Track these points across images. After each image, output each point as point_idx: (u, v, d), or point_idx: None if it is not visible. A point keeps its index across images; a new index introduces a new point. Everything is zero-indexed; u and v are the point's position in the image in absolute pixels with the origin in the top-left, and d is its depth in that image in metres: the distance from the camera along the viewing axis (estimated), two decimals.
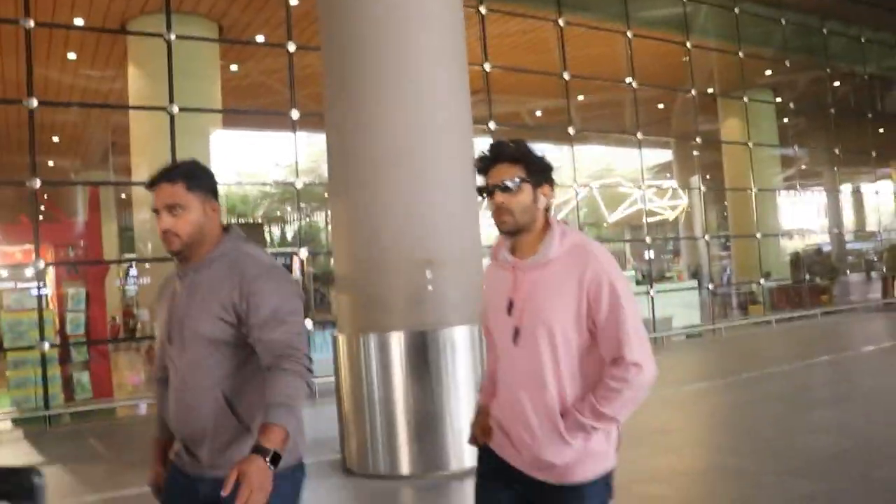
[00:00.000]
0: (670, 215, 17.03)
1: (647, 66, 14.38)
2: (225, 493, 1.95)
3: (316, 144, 12.80)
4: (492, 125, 12.03)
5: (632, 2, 13.96)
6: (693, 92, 14.85)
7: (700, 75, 15.31)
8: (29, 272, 12.15)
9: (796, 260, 18.14)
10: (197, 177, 2.40)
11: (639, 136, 14.05)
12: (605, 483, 2.26)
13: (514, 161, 2.26)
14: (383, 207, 5.75)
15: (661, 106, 17.39)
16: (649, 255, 15.05)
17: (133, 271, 20.68)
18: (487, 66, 11.93)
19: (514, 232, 2.29)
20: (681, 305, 14.77)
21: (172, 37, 9.92)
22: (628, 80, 13.87)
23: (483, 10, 11.98)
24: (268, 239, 24.84)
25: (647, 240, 14.62)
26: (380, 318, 5.72)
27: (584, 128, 16.07)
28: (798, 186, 18.20)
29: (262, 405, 2.19)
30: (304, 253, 11.43)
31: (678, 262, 21.61)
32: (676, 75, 15.21)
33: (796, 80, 17.91)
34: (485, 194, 2.30)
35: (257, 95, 14.65)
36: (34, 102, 9.19)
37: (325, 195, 12.25)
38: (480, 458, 2.43)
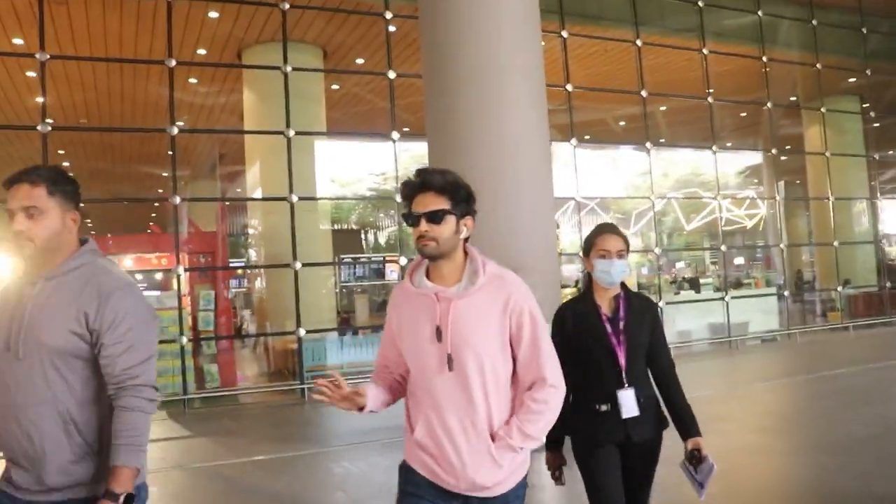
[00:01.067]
0: (748, 224, 17.50)
1: (726, 76, 15.02)
2: None
3: (409, 150, 13.90)
4: (574, 141, 13.02)
5: (708, 18, 14.60)
6: (769, 105, 15.37)
7: (780, 85, 15.80)
8: (159, 276, 13.86)
9: (880, 267, 18.23)
10: (60, 182, 2.32)
11: (714, 149, 14.70)
12: (524, 484, 2.46)
13: (440, 191, 2.34)
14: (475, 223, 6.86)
15: (743, 114, 17.77)
16: (724, 262, 15.66)
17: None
18: (570, 87, 12.90)
19: (434, 258, 2.37)
20: (758, 311, 15.32)
21: (288, 69, 11.30)
22: (707, 96, 14.51)
23: (565, 34, 12.95)
24: (363, 245, 26.11)
25: (723, 248, 15.24)
26: None
27: (667, 135, 16.75)
28: (879, 193, 18.29)
29: (102, 425, 2.25)
30: (403, 260, 12.57)
31: (759, 268, 21.88)
32: (757, 85, 15.67)
33: (883, 84, 17.91)
34: (409, 221, 2.37)
35: (357, 104, 15.80)
36: (175, 130, 10.72)
37: None
38: (404, 479, 2.46)
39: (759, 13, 15.20)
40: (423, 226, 2.32)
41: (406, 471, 2.45)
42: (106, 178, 19.67)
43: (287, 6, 11.24)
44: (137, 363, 2.25)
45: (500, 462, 2.31)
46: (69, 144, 17.77)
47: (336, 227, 23.94)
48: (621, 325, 3.11)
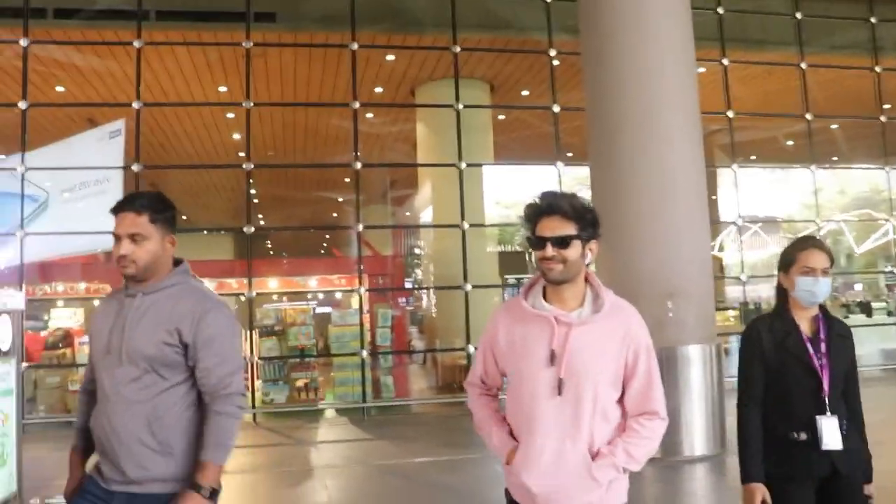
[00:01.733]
0: None
1: None
2: None
3: (570, 174, 14.46)
4: (735, 166, 13.17)
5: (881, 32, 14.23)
6: None
7: None
8: (339, 295, 15.21)
9: None
10: (161, 210, 2.57)
11: (887, 169, 14.29)
12: None
13: (565, 215, 2.31)
14: (638, 253, 7.45)
15: None
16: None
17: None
18: (730, 114, 13.07)
19: (559, 282, 2.35)
20: None
21: (460, 107, 12.25)
22: (881, 114, 14.13)
23: (725, 61, 13.13)
24: (527, 265, 26.75)
25: (893, 269, 14.72)
26: None
27: (843, 151, 16.33)
28: None
29: (180, 429, 2.47)
30: None
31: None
32: None
33: None
34: (533, 245, 2.36)
35: (522, 130, 16.40)
36: (358, 165, 11.95)
37: None
38: None
39: None
40: (550, 250, 2.30)
41: (509, 501, 2.47)
42: (285, 203, 21.51)
43: (458, 49, 12.19)
44: (229, 374, 2.52)
45: (600, 480, 2.29)
46: (256, 174, 19.68)
47: (501, 248, 24.84)
48: (823, 347, 2.85)
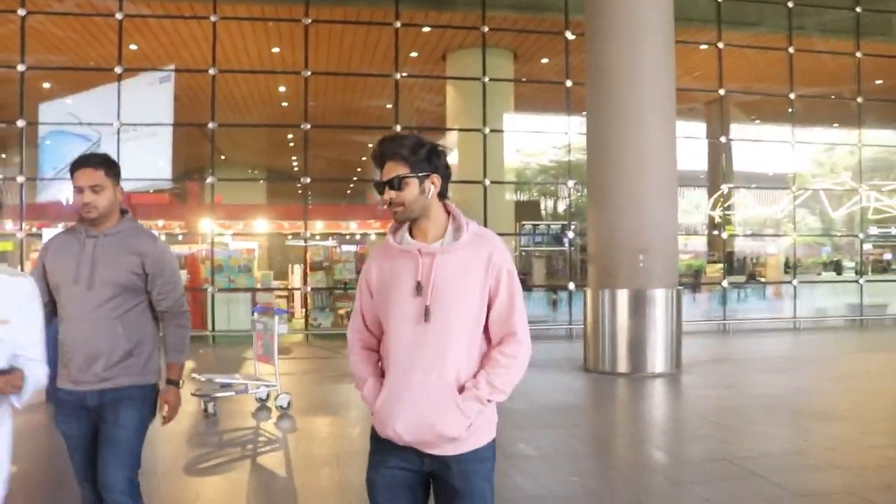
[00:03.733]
0: None
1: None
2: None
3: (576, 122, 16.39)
4: (723, 139, 15.13)
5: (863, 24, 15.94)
6: None
7: None
8: (373, 237, 17.31)
9: None
10: (112, 166, 3.08)
11: (860, 140, 16.19)
12: (494, 447, 2.43)
13: (399, 159, 2.34)
14: (616, 214, 9.56)
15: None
16: (860, 248, 17.10)
17: None
18: (722, 91, 14.98)
19: (405, 221, 2.40)
20: None
21: (486, 79, 14.24)
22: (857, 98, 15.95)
23: (721, 45, 14.96)
24: (542, 213, 28.75)
25: (860, 235, 16.73)
26: (612, 281, 9.55)
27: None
28: None
29: (145, 335, 3.13)
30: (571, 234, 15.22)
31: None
32: None
33: None
34: (378, 190, 2.41)
35: (542, 87, 18.15)
36: (398, 127, 14.01)
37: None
38: (373, 448, 2.45)
39: None
40: (388, 194, 2.36)
41: (374, 440, 2.46)
42: (316, 144, 23.46)
43: (486, 29, 14.13)
44: (181, 296, 3.24)
45: (467, 413, 2.30)
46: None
47: (518, 196, 26.75)
48: None
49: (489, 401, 2.33)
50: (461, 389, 2.32)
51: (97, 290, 2.98)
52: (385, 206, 2.40)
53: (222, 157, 22.74)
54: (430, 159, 2.38)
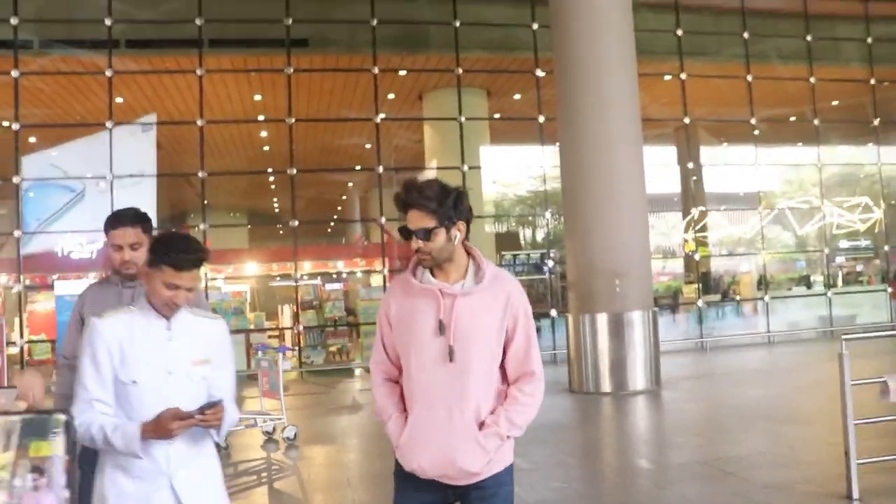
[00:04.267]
0: (861, 227, 19.33)
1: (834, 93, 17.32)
2: None
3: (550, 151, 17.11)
4: (690, 165, 15.90)
5: (816, 50, 16.87)
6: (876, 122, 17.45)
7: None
8: (359, 274, 17.85)
9: None
10: (146, 221, 3.18)
11: (819, 159, 17.05)
12: (511, 471, 2.56)
13: (425, 210, 2.40)
14: (592, 242, 10.18)
15: None
16: (826, 263, 17.89)
17: None
18: (686, 120, 15.80)
19: (433, 266, 2.49)
20: (868, 306, 17.51)
21: (462, 119, 14.93)
22: (814, 119, 16.84)
23: (683, 76, 15.78)
24: (521, 242, 29.39)
25: (826, 251, 17.53)
26: (591, 306, 10.15)
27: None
28: None
29: None
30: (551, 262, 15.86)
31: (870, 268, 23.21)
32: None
33: None
34: (402, 235, 2.48)
35: (515, 122, 19.04)
36: (381, 169, 14.61)
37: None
38: (399, 481, 2.57)
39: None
40: (416, 242, 2.43)
41: (399, 471, 2.56)
42: (297, 184, 24.22)
43: (460, 71, 14.86)
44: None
45: (487, 449, 2.40)
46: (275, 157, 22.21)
47: (497, 228, 27.43)
48: None
49: (508, 437, 2.47)
50: (481, 425, 2.44)
51: None
52: (413, 251, 2.48)
53: (205, 202, 23.31)
54: (456, 206, 2.45)
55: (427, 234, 2.41)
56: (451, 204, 2.43)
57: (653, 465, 6.35)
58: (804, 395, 9.18)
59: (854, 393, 4.89)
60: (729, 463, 5.84)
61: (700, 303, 15.88)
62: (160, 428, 2.34)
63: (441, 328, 2.41)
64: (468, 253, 2.54)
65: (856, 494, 4.71)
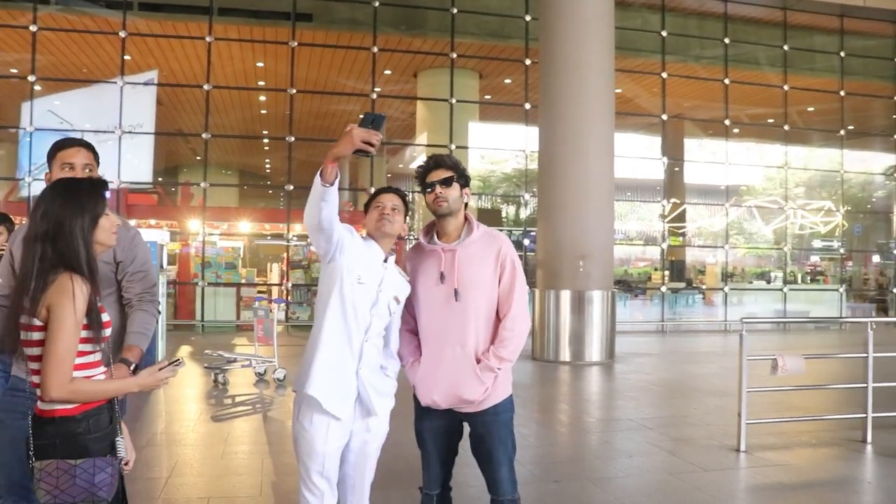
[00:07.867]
0: (823, 229, 20.50)
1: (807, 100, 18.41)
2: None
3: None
4: (665, 160, 16.93)
5: (792, 58, 17.87)
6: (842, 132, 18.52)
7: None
8: None
9: None
10: (96, 152, 3.09)
11: (786, 164, 18.10)
12: (510, 401, 3.11)
13: (447, 167, 3.01)
14: (561, 225, 11.22)
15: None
16: (786, 261, 19.07)
17: None
18: (665, 117, 16.77)
19: (446, 214, 3.03)
20: (820, 303, 18.75)
21: (454, 100, 15.84)
22: (785, 125, 17.88)
23: (664, 75, 16.74)
24: (503, 220, 30.36)
25: (785, 249, 18.68)
26: (557, 283, 11.20)
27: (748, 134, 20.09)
28: None
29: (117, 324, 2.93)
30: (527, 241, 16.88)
31: (829, 268, 24.43)
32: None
33: None
34: (428, 189, 3.01)
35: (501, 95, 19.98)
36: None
37: None
38: (417, 407, 3.14)
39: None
40: (438, 189, 2.97)
41: (417, 403, 3.12)
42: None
43: (454, 55, 15.74)
44: (153, 284, 3.11)
45: (484, 381, 2.94)
46: (270, 118, 23.01)
47: (481, 203, 28.37)
48: None
49: (499, 368, 2.96)
50: (479, 360, 2.95)
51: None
52: (432, 203, 3.01)
53: (197, 158, 24.11)
54: (466, 176, 3.09)
55: (449, 181, 3.00)
56: (462, 172, 3.10)
57: (592, 420, 7.42)
58: (734, 374, 10.24)
59: (754, 368, 5.96)
60: (653, 421, 6.93)
61: (663, 288, 16.99)
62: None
63: (442, 278, 2.97)
64: (465, 218, 3.12)
65: (743, 447, 5.82)
